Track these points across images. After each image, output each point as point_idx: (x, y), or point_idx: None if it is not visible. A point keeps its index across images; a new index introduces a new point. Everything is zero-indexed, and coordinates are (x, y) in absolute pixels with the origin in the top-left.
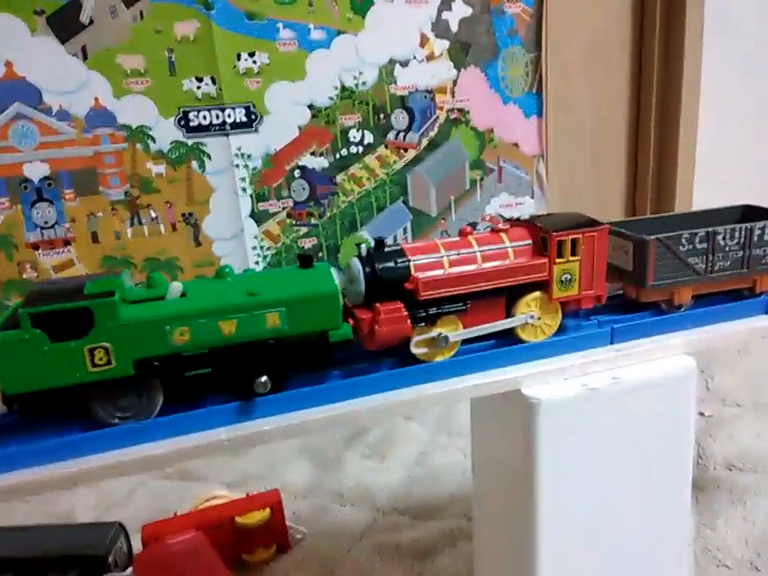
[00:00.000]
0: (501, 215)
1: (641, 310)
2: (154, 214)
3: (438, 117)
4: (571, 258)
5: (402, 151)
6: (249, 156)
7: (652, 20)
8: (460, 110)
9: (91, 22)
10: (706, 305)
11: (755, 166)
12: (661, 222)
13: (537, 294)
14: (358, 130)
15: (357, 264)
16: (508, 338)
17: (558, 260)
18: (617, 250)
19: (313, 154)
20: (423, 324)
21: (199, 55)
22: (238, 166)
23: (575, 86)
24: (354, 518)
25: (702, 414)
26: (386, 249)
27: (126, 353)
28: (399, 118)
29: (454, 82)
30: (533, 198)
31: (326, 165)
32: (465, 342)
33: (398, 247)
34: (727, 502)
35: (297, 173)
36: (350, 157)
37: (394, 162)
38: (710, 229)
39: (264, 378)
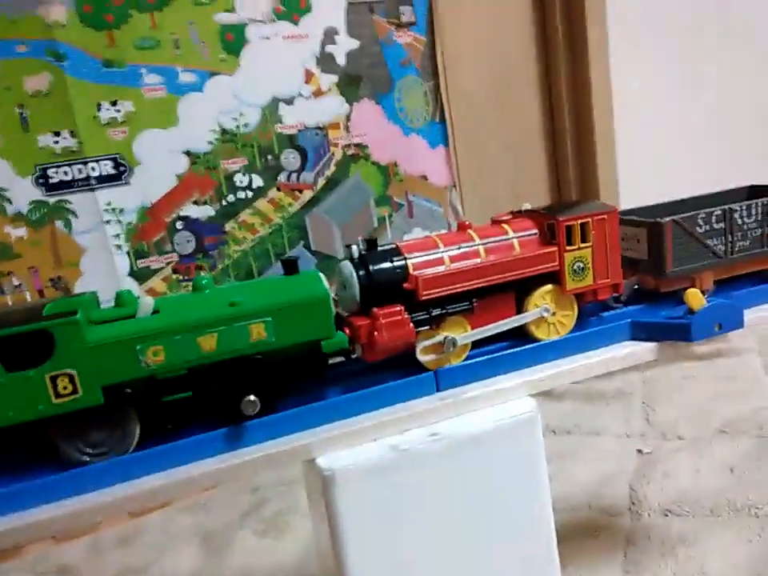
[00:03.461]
0: None
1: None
2: (17, 282)
3: (333, 154)
4: (582, 245)
5: (296, 193)
6: (121, 210)
7: (554, 27)
8: (357, 146)
9: None
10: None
11: (678, 166)
12: (665, 207)
13: (549, 286)
14: (244, 174)
15: (349, 267)
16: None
17: (568, 247)
18: (626, 240)
19: (196, 203)
20: (427, 327)
21: (54, 108)
22: (109, 222)
23: (480, 109)
24: None
25: (639, 451)
26: (379, 248)
27: (93, 379)
28: (290, 159)
29: (348, 117)
30: (449, 230)
31: (212, 213)
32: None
33: (392, 245)
34: (658, 554)
35: (179, 224)
36: (239, 203)
37: (289, 204)
38: (725, 206)
39: (252, 398)
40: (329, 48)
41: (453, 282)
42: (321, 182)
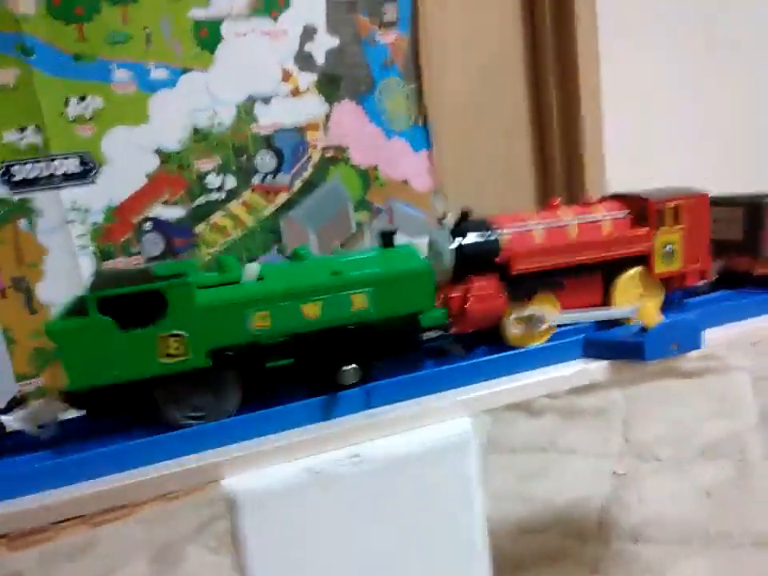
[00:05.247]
0: None
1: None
2: None
3: (310, 156)
4: (673, 228)
5: (271, 195)
6: (86, 210)
7: (543, 28)
8: (337, 148)
9: None
10: (498, 351)
11: (669, 170)
12: (751, 196)
13: (638, 269)
14: (217, 175)
15: (444, 236)
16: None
17: (659, 230)
18: (714, 223)
19: (165, 203)
20: (516, 302)
21: (20, 104)
22: (73, 222)
23: (465, 112)
24: None
25: (614, 472)
26: (471, 220)
27: (202, 342)
28: (265, 159)
29: (327, 118)
30: None
31: (182, 215)
32: None
33: (485, 218)
34: None
35: (147, 225)
36: (211, 204)
37: (264, 207)
38: None
39: (352, 367)
40: (308, 46)
41: (544, 258)
42: (297, 184)
